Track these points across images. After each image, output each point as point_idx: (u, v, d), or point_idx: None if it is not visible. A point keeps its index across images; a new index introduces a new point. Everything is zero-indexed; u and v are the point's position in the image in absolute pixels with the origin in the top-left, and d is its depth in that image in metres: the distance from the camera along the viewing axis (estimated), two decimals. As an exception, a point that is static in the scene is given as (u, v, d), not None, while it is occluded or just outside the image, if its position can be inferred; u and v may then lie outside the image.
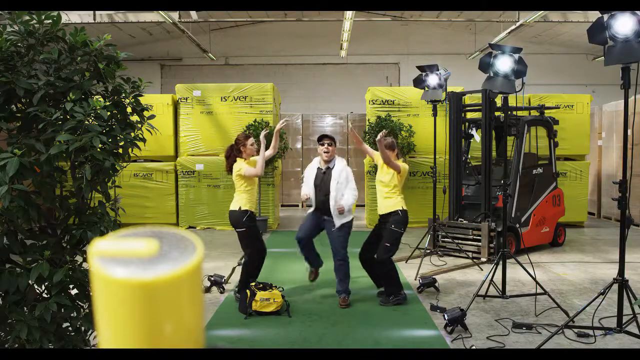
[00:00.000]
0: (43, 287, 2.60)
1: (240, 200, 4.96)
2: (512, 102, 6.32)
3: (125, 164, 2.88)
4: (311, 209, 5.09)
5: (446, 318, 4.28)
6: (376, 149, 5.15)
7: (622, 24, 3.67)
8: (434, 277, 5.64)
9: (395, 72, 16.07)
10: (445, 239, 7.32)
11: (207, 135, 9.57)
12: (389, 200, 5.02)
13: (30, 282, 2.47)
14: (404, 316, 4.78)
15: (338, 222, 4.89)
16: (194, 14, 12.11)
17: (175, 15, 11.19)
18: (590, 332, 4.14)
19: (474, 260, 6.83)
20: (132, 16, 11.32)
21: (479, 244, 6.96)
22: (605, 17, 3.74)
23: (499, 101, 6.99)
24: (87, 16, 10.69)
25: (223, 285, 5.55)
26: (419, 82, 7.01)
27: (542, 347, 3.90)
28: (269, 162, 7.32)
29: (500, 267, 5.03)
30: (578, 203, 9.63)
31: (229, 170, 5.06)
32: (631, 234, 6.58)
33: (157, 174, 9.59)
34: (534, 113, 7.89)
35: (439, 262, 6.88)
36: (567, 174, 9.61)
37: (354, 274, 5.27)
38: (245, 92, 9.55)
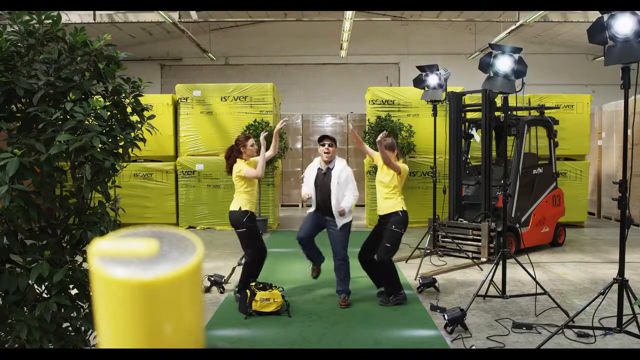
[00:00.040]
0: (43, 287, 2.60)
1: (241, 201, 4.96)
2: (512, 102, 6.32)
3: (125, 164, 2.88)
4: (311, 209, 5.09)
5: (446, 318, 4.28)
6: (376, 150, 5.15)
7: (622, 24, 3.67)
8: (434, 277, 5.64)
9: (395, 72, 16.07)
10: (445, 239, 7.32)
11: (207, 135, 9.57)
12: (389, 201, 5.02)
13: (30, 282, 2.47)
14: (404, 316, 4.78)
15: (339, 222, 4.89)
16: (194, 14, 12.11)
17: (175, 15, 11.19)
18: (590, 332, 4.14)
19: (474, 260, 6.83)
20: (132, 16, 11.32)
21: (479, 244, 6.96)
22: (605, 17, 3.74)
23: (499, 101, 6.99)
24: (87, 16, 10.69)
25: (223, 285, 5.55)
26: (419, 82, 7.01)
27: (542, 347, 3.90)
28: (269, 162, 7.31)
29: (500, 267, 5.03)
30: (578, 203, 9.63)
31: (229, 171, 5.06)
32: (631, 234, 6.58)
33: (157, 174, 9.60)
34: (534, 113, 7.89)
35: (439, 262, 6.88)
36: (567, 174, 9.61)
37: (354, 274, 5.27)
38: (245, 92, 9.55)
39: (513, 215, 7.10)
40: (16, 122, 2.65)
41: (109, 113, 2.61)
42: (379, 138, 4.90)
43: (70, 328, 2.71)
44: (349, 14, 10.46)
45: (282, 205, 12.50)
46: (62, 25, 2.63)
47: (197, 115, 9.57)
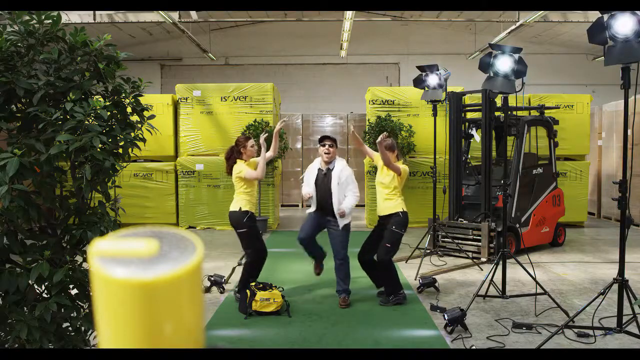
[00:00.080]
0: (43, 287, 2.60)
1: (241, 201, 4.96)
2: (512, 102, 6.32)
3: (125, 164, 2.88)
4: (311, 209, 5.08)
5: (446, 318, 4.28)
6: (376, 150, 5.15)
7: (622, 24, 3.67)
8: (434, 277, 5.64)
9: (395, 72, 16.07)
10: (445, 239, 7.32)
11: (207, 135, 9.57)
12: (389, 202, 5.02)
13: (30, 282, 2.47)
14: (404, 316, 4.78)
15: (341, 222, 4.89)
16: (194, 14, 12.11)
17: (175, 15, 11.19)
18: (590, 332, 4.14)
19: (474, 260, 6.83)
20: (132, 16, 11.32)
21: (479, 244, 6.96)
22: (605, 17, 3.74)
23: (499, 101, 6.99)
24: (87, 16, 10.69)
25: (223, 285, 5.55)
26: (419, 82, 7.01)
27: (542, 347, 3.90)
28: (269, 162, 7.31)
29: (500, 267, 5.03)
30: (578, 203, 9.63)
31: (229, 171, 5.06)
32: (631, 234, 6.58)
33: (157, 174, 9.60)
34: (534, 113, 7.89)
35: (439, 262, 6.88)
36: (567, 174, 9.61)
37: (354, 274, 5.27)
38: (245, 92, 9.55)
39: (513, 215, 7.10)
40: (16, 122, 2.65)
41: (109, 113, 2.61)
42: (379, 139, 4.89)
43: (70, 328, 2.71)
44: (349, 14, 10.46)
45: (282, 205, 12.50)
46: (62, 25, 2.63)
47: (197, 115, 9.57)
